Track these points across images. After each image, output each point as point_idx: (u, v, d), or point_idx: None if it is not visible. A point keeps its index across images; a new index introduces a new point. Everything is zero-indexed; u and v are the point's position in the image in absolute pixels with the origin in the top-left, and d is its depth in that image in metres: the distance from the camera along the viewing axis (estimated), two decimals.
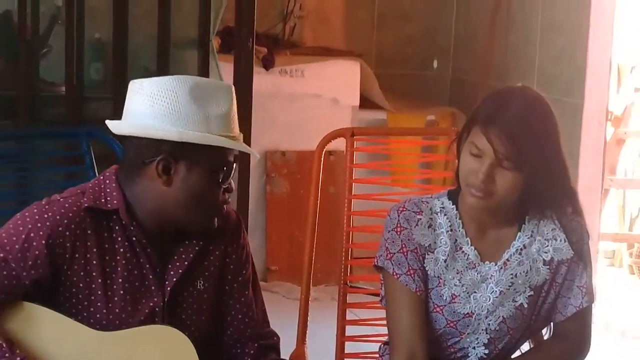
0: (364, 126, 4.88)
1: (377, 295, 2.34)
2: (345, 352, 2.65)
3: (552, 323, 2.28)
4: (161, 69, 3.47)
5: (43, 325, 1.93)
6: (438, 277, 2.19)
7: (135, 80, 2.04)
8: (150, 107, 1.97)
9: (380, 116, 5.21)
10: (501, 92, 2.21)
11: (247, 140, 3.44)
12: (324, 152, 2.69)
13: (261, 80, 4.69)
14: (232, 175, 2.05)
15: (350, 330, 2.64)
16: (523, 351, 2.35)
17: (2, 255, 1.90)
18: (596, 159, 4.70)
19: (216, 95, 2.02)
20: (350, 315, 2.66)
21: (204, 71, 3.60)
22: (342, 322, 2.65)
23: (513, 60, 5.19)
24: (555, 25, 4.81)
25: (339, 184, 2.70)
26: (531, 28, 5.04)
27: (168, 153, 1.95)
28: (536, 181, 2.10)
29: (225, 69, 3.80)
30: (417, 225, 2.19)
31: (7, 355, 1.84)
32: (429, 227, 2.20)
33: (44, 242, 1.91)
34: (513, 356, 2.33)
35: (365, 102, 5.24)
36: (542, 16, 4.95)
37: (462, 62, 5.79)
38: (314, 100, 5.02)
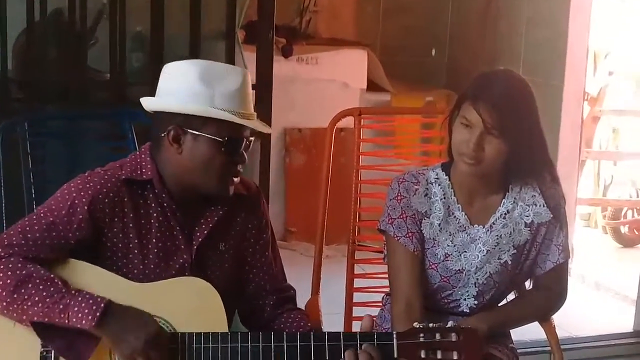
0: (371, 106, 4.85)
1: (381, 252, 2.35)
2: (354, 301, 2.66)
3: (533, 276, 2.28)
4: (193, 58, 3.50)
5: (88, 278, 1.93)
6: (433, 238, 2.20)
7: (166, 65, 2.06)
8: (165, 86, 2.00)
9: (385, 97, 5.21)
10: (488, 73, 2.21)
11: (267, 119, 3.44)
12: (335, 129, 2.68)
13: (281, 67, 4.70)
14: (241, 147, 2.01)
15: (357, 283, 2.67)
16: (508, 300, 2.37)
17: (51, 219, 1.92)
18: (574, 134, 4.72)
19: (226, 76, 2.00)
20: (357, 269, 2.68)
21: (230, 60, 3.56)
22: (350, 276, 2.67)
23: (502, 48, 5.17)
24: (538, 17, 4.80)
25: (348, 156, 2.69)
26: (518, 20, 5.03)
27: (177, 124, 1.95)
28: (519, 149, 2.10)
29: (249, 57, 3.77)
30: (415, 194, 2.21)
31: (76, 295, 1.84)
32: (425, 195, 2.21)
33: (86, 207, 1.92)
34: (500, 305, 2.33)
35: (372, 85, 5.23)
36: (528, 9, 4.93)
37: (456, 50, 5.78)
38: (326, 84, 5.01)
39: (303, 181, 4.81)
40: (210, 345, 1.88)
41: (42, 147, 2.60)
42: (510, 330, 2.37)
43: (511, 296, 2.41)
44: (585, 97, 4.89)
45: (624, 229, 5.42)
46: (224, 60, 3.59)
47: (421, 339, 1.84)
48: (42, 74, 3.43)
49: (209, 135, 1.95)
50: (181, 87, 1.97)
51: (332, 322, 2.48)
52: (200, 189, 2.02)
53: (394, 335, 1.87)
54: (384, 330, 2.27)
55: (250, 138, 2.04)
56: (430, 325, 1.86)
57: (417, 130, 3.06)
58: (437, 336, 1.84)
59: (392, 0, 5.82)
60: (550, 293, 2.31)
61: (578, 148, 4.81)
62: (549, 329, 2.42)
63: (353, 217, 2.68)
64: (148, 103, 2.03)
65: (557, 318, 2.40)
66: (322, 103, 4.74)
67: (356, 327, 2.39)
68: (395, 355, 1.86)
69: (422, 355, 1.83)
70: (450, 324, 1.89)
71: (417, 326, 1.86)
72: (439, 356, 1.83)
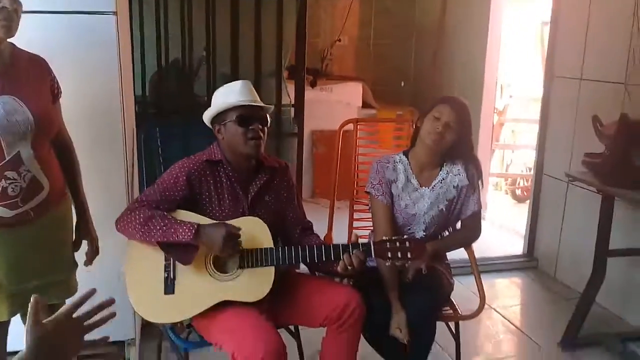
0: (363, 117, 4.80)
1: (367, 205, 2.35)
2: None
3: (460, 220, 2.28)
4: (256, 89, 3.50)
5: (189, 219, 1.87)
6: (398, 195, 2.22)
7: None
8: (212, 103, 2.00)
9: (373, 112, 5.18)
10: (449, 96, 2.23)
11: (300, 124, 3.47)
12: (342, 131, 2.69)
13: (310, 93, 4.65)
14: (251, 120, 1.91)
15: (355, 224, 2.66)
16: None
17: (165, 185, 1.91)
18: (488, 133, 4.71)
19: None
20: (356, 215, 2.67)
21: (278, 89, 3.50)
22: (351, 219, 2.68)
23: (445, 81, 5.10)
24: (468, 60, 4.74)
25: (350, 147, 2.74)
26: (455, 63, 4.97)
27: (217, 122, 1.96)
28: (460, 139, 2.14)
29: (290, 88, 3.78)
30: (387, 169, 2.23)
31: (181, 223, 1.82)
32: (393, 170, 2.23)
33: (185, 176, 1.91)
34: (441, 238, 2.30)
35: (365, 104, 5.20)
36: (460, 56, 4.87)
37: (418, 82, 5.69)
38: (337, 104, 4.99)
39: (324, 162, 4.83)
40: (262, 254, 1.87)
41: (166, 143, 2.50)
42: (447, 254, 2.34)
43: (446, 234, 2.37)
44: (494, 111, 4.87)
45: (518, 192, 5.40)
46: (274, 93, 3.57)
47: (388, 245, 1.83)
48: (166, 98, 3.47)
49: (227, 120, 1.93)
50: (214, 102, 1.99)
51: None
52: (241, 154, 1.95)
53: (371, 243, 1.85)
54: None
55: (264, 114, 1.95)
56: (393, 237, 1.86)
57: (391, 131, 3.01)
58: (397, 243, 1.83)
59: (378, 52, 5.76)
60: (469, 231, 2.29)
61: (490, 142, 4.82)
62: (470, 252, 2.42)
63: (352, 184, 2.68)
64: (205, 117, 2.00)
65: (476, 245, 2.39)
66: (334, 115, 4.63)
67: None
68: (373, 256, 1.85)
69: (389, 255, 1.82)
70: (405, 236, 1.87)
71: (385, 238, 1.86)
72: (398, 255, 1.82)
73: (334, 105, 4.98)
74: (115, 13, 2.14)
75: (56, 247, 1.81)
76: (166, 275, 1.87)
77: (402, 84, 5.73)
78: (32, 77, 1.70)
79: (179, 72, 3.43)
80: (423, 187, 2.23)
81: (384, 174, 2.22)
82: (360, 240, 1.87)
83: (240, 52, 3.33)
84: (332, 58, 5.57)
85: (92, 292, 1.16)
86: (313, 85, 4.94)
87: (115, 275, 2.02)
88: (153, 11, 3.20)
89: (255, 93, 1.99)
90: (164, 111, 3.40)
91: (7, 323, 1.75)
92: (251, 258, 1.87)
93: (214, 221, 1.88)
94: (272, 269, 1.87)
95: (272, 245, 1.89)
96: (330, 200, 2.69)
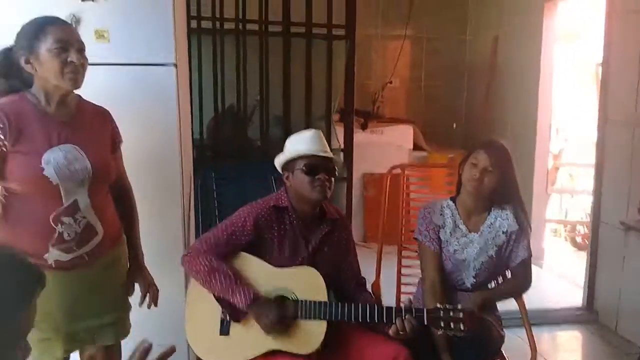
0: (413, 160, 4.86)
1: (416, 251, 2.31)
2: (402, 282, 2.63)
3: (509, 268, 2.23)
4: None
5: (249, 264, 1.97)
6: (446, 241, 2.21)
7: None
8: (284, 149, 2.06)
9: (424, 154, 5.13)
10: (487, 139, 2.24)
11: (349, 168, 3.51)
12: (391, 175, 2.70)
13: (360, 136, 4.70)
14: (318, 170, 1.96)
15: (404, 270, 2.63)
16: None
17: (232, 229, 1.96)
18: (543, 177, 4.59)
19: (305, 134, 2.03)
20: (404, 262, 2.63)
21: (328, 132, 3.57)
22: (399, 266, 2.65)
23: (497, 124, 5.04)
24: (521, 104, 4.69)
25: (399, 192, 2.74)
26: (508, 103, 4.91)
27: (286, 169, 2.01)
28: (501, 182, 2.12)
29: (340, 131, 3.84)
30: (434, 214, 2.22)
31: (240, 287, 1.88)
32: (440, 215, 2.22)
33: (253, 222, 1.96)
34: (489, 287, 2.27)
35: (416, 147, 5.16)
36: (513, 99, 4.82)
37: (469, 124, 5.64)
38: (388, 146, 4.96)
39: (374, 205, 4.74)
40: (316, 308, 1.90)
41: (222, 187, 2.67)
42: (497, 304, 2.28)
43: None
44: (550, 154, 4.79)
45: (579, 239, 5.24)
46: (325, 132, 3.65)
47: (441, 314, 1.83)
48: (222, 142, 3.54)
49: (296, 168, 1.98)
50: (285, 149, 2.04)
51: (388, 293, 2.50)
52: (308, 201, 1.99)
53: (424, 311, 1.86)
54: (420, 303, 2.22)
55: (331, 165, 1.99)
56: (447, 306, 1.85)
57: (443, 176, 2.92)
58: (451, 313, 1.82)
59: (429, 93, 5.76)
60: (519, 280, 2.23)
61: (545, 186, 4.68)
62: (520, 302, 2.36)
63: (400, 230, 2.66)
64: (276, 162, 2.07)
65: (534, 295, 2.31)
66: (385, 157, 4.56)
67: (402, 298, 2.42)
68: (425, 323, 1.84)
69: (441, 325, 1.82)
70: (459, 306, 1.86)
71: (439, 306, 1.85)
72: (451, 325, 1.82)
73: (385, 147, 4.97)
74: (175, 65, 2.27)
75: (111, 289, 1.88)
76: (223, 316, 1.93)
77: (454, 126, 5.70)
78: (94, 127, 1.81)
79: (234, 117, 3.54)
80: (472, 233, 2.21)
81: (431, 220, 2.23)
82: (414, 306, 1.88)
83: (291, 96, 3.42)
84: (383, 100, 5.59)
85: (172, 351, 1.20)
86: (364, 127, 4.95)
87: (170, 316, 2.07)
88: (210, 59, 3.35)
89: (325, 143, 2.04)
90: (220, 155, 3.51)
91: None
92: (305, 310, 1.91)
93: (274, 268, 1.94)
94: (325, 323, 1.90)
95: (326, 299, 1.92)
96: (378, 246, 2.69)
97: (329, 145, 3.38)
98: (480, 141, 2.22)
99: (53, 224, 1.69)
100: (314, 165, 1.97)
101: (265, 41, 3.24)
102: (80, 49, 1.70)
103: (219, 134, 3.53)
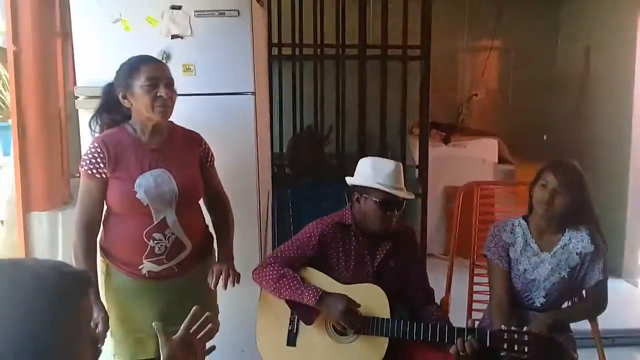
0: (498, 174, 4.75)
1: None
2: (473, 299, 2.60)
3: (584, 289, 2.21)
4: (382, 149, 3.55)
5: (315, 278, 2.07)
6: (517, 259, 2.21)
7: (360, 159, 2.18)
8: (357, 171, 2.12)
9: (510, 168, 4.98)
10: (558, 160, 2.22)
11: (424, 185, 3.49)
12: (464, 191, 2.73)
13: (442, 150, 4.80)
14: (392, 206, 2.01)
15: (476, 288, 2.60)
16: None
17: (298, 244, 2.09)
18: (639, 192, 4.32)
19: (385, 165, 2.08)
20: (477, 279, 2.60)
21: (402, 151, 3.56)
22: (471, 284, 2.61)
23: (590, 134, 4.82)
24: (615, 112, 4.48)
25: (485, 207, 2.71)
26: (600, 115, 4.69)
27: (358, 192, 2.07)
28: (574, 204, 2.11)
29: (416, 145, 3.82)
30: (504, 232, 2.23)
31: (307, 287, 1.98)
32: (510, 232, 2.23)
33: (318, 237, 2.07)
34: (563, 308, 2.26)
35: (501, 159, 5.05)
36: (606, 107, 4.60)
37: (559, 136, 5.41)
38: (471, 160, 4.91)
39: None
40: (379, 324, 1.97)
41: (297, 204, 2.78)
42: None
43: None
44: None
45: None
46: (399, 150, 3.68)
47: (505, 336, 1.82)
48: (300, 161, 3.67)
49: (370, 197, 2.05)
50: (362, 171, 2.10)
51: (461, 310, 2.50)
52: (369, 228, 2.08)
53: (487, 332, 1.87)
54: (488, 320, 2.23)
55: (402, 200, 2.06)
56: (512, 328, 1.84)
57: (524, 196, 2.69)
58: (516, 336, 1.81)
59: (517, 105, 5.63)
60: (593, 302, 2.20)
61: None
62: (593, 326, 2.32)
63: (472, 247, 2.64)
64: (348, 180, 2.14)
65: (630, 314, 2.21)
66: (468, 171, 4.56)
67: (475, 314, 2.43)
68: (487, 345, 1.84)
69: (505, 346, 1.81)
70: (525, 329, 1.84)
71: (503, 328, 1.85)
72: (515, 348, 1.80)
73: (468, 161, 4.91)
74: (253, 93, 2.48)
75: (200, 297, 1.97)
76: (290, 327, 2.05)
77: (545, 138, 5.53)
78: (184, 150, 1.98)
79: (312, 137, 3.65)
80: (544, 252, 2.21)
81: (501, 237, 2.24)
82: (477, 327, 1.90)
83: (367, 116, 3.49)
84: (468, 112, 5.56)
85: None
86: (446, 141, 4.95)
87: (247, 327, 2.19)
88: (290, 84, 3.53)
89: (402, 178, 2.10)
90: (298, 172, 3.64)
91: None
92: (368, 326, 1.98)
93: (339, 284, 2.02)
94: (386, 339, 1.96)
95: (388, 316, 1.98)
96: (449, 262, 2.72)
97: (404, 161, 3.48)
98: (549, 162, 2.21)
99: (146, 240, 1.90)
100: (390, 202, 2.03)
101: (342, 64, 3.38)
102: (169, 84, 1.88)
103: (297, 153, 3.66)
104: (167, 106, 1.89)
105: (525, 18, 5.41)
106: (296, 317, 2.06)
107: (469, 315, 2.57)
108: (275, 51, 3.37)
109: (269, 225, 2.76)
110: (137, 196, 1.87)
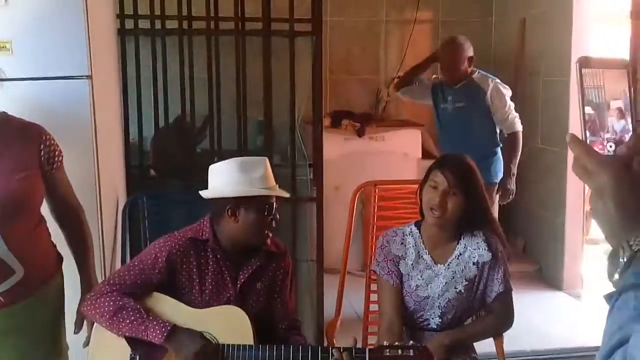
0: (422, 170, 4.87)
1: None
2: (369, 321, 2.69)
3: (485, 304, 2.33)
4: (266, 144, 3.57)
5: (163, 305, 2.09)
6: (408, 274, 2.29)
7: (211, 166, 2.21)
8: (215, 180, 2.15)
9: None
10: (448, 154, 2.34)
11: (319, 187, 3.46)
12: (360, 193, 2.85)
13: (355, 143, 4.96)
14: (273, 211, 2.12)
15: (373, 307, 2.65)
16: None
17: (141, 267, 2.10)
18: (579, 190, 4.51)
19: (256, 165, 2.12)
20: (374, 297, 2.62)
21: (293, 149, 3.57)
22: (367, 302, 2.71)
23: (528, 120, 5.02)
24: (551, 98, 4.74)
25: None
26: (537, 96, 4.96)
27: (233, 204, 2.09)
28: (469, 206, 2.22)
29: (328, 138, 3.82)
30: (394, 243, 2.31)
31: (153, 321, 2.01)
32: (401, 244, 2.32)
33: (165, 257, 2.09)
34: (462, 326, 2.37)
35: (425, 154, 5.17)
36: (544, 88, 4.89)
37: None
38: (390, 155, 5.02)
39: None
40: (241, 352, 2.02)
41: (158, 213, 2.69)
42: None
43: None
44: None
45: None
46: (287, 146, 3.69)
47: (386, 353, 1.90)
48: (168, 159, 3.62)
49: (255, 207, 2.09)
50: (226, 179, 2.11)
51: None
52: (249, 243, 2.14)
53: (366, 350, 1.95)
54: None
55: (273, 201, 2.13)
56: (395, 343, 1.92)
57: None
58: (399, 352, 1.89)
59: None
60: (497, 316, 2.33)
61: (582, 203, 4.59)
62: (498, 344, 2.44)
63: (368, 258, 2.77)
64: (207, 194, 2.15)
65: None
66: (389, 168, 4.69)
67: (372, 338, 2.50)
68: None
69: None
70: (410, 343, 1.95)
71: (385, 344, 1.93)
72: None
73: (387, 156, 5.03)
74: (89, 77, 2.46)
75: (38, 331, 2.02)
76: None
77: None
78: (14, 149, 1.93)
79: (181, 130, 3.59)
80: (438, 265, 2.32)
81: (390, 249, 2.34)
82: (354, 346, 1.97)
83: (247, 103, 3.51)
84: (389, 99, 5.62)
85: None
86: (361, 133, 5.04)
87: None
88: (150, 65, 3.48)
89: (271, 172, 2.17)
90: (165, 174, 3.61)
91: None
92: (229, 354, 2.02)
93: (190, 309, 2.07)
94: None
95: (252, 342, 2.04)
96: (340, 276, 2.79)
97: (295, 160, 3.50)
98: (437, 158, 2.31)
99: None
100: (271, 204, 2.11)
101: (216, 40, 3.39)
102: None
103: (162, 149, 3.62)
104: None
105: None
106: (138, 358, 2.06)
107: (364, 339, 2.68)
108: (131, 24, 3.33)
109: (118, 242, 2.72)
110: None
